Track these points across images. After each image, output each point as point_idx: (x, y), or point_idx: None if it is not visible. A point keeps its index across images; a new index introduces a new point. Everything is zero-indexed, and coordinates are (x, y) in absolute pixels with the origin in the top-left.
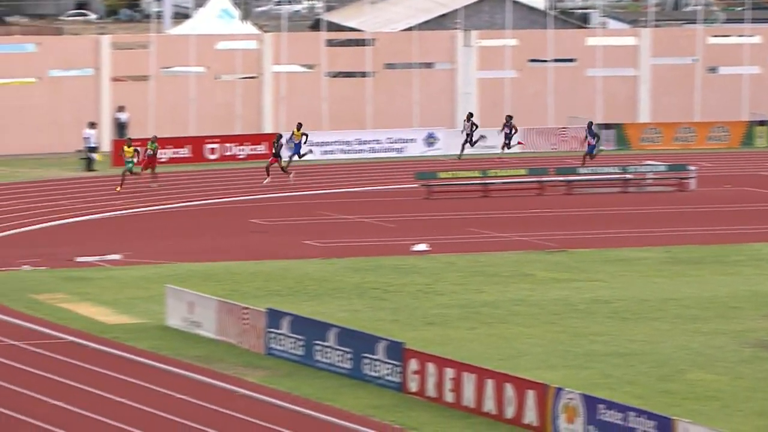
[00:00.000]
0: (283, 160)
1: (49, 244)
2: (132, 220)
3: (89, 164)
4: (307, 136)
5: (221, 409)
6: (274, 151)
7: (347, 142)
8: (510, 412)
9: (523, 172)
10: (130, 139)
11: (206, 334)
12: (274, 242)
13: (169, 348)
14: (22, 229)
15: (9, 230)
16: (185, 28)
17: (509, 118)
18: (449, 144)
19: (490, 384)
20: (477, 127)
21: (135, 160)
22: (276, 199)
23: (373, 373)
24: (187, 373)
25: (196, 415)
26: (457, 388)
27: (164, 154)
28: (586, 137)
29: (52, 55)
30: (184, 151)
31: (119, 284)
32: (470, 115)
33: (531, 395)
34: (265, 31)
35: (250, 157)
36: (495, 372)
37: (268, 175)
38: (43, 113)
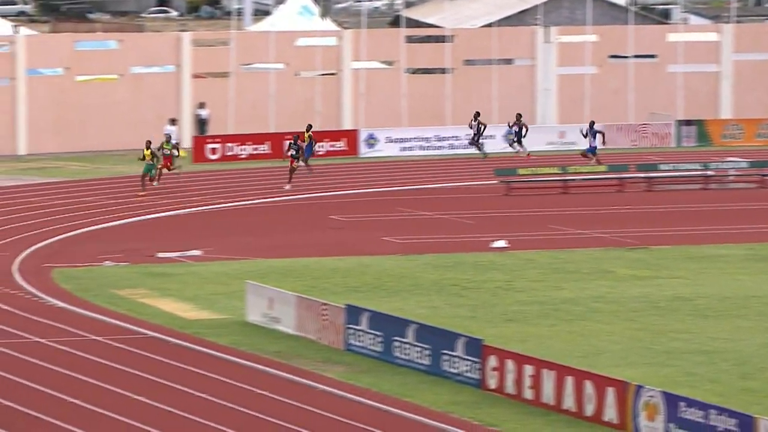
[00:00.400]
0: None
1: (130, 239)
2: (212, 216)
3: (173, 159)
4: (313, 139)
5: (300, 405)
6: (291, 153)
7: (426, 139)
8: (590, 409)
9: (603, 168)
10: (149, 141)
11: (285, 329)
12: (352, 238)
13: (248, 344)
14: (104, 225)
15: (91, 226)
16: (265, 25)
17: (519, 116)
18: (529, 140)
19: (569, 381)
20: (485, 126)
21: (156, 163)
22: (355, 195)
23: (452, 370)
24: (266, 368)
25: (276, 410)
26: (537, 385)
27: (243, 150)
28: (586, 135)
29: (133, 52)
30: (264, 148)
31: (200, 280)
32: (477, 114)
33: (611, 393)
34: (345, 28)
35: (328, 153)
36: (575, 369)
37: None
38: (125, 110)
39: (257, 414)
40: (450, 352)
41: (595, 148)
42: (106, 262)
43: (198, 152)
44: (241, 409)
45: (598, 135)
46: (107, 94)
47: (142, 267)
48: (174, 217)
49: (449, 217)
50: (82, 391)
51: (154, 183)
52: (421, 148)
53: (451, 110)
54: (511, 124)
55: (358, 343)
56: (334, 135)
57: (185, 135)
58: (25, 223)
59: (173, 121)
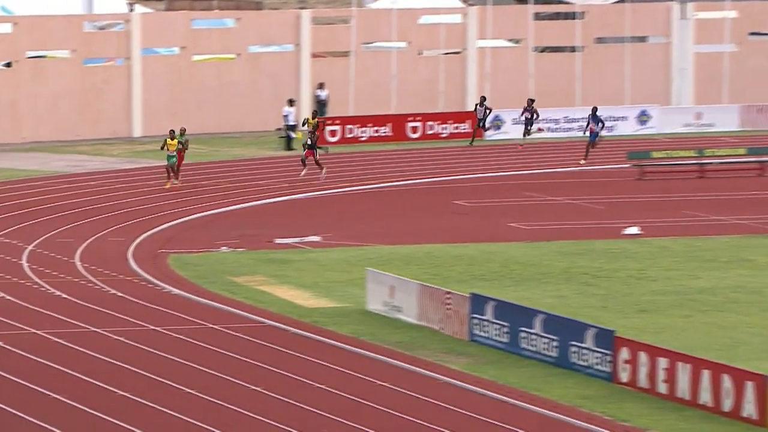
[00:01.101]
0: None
1: (247, 225)
2: (332, 200)
3: (288, 143)
4: (318, 124)
5: (422, 397)
6: (310, 142)
7: (555, 120)
8: (727, 404)
9: (742, 151)
10: (173, 131)
11: (407, 319)
12: (477, 224)
13: (369, 333)
14: (220, 210)
15: (207, 211)
16: (387, 1)
17: (531, 101)
18: (664, 122)
19: (706, 375)
20: (490, 111)
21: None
22: (480, 179)
23: (581, 362)
24: (387, 359)
25: (398, 403)
26: (671, 378)
27: (364, 133)
28: (588, 123)
29: (251, 30)
30: (385, 130)
31: (319, 267)
32: (483, 99)
33: (750, 387)
34: (470, 5)
35: (452, 135)
36: (712, 362)
37: (305, 165)
38: (242, 90)
39: (377, 406)
40: (579, 344)
41: (597, 134)
42: (223, 248)
43: (318, 134)
44: (361, 400)
45: (600, 122)
46: (224, 74)
47: (259, 253)
48: (292, 202)
49: (579, 203)
50: (198, 380)
51: (174, 182)
52: (550, 130)
53: (581, 91)
54: (521, 114)
55: (482, 334)
56: (458, 116)
57: (304, 116)
58: (140, 207)
59: (291, 102)
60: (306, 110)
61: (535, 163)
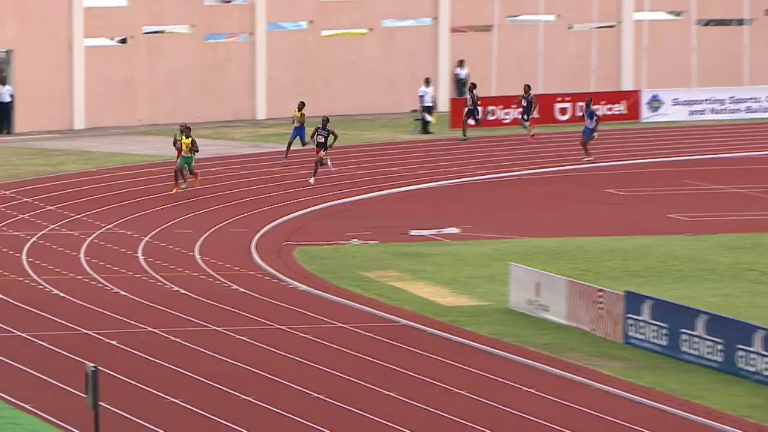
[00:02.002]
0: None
1: (379, 215)
2: (471, 189)
3: (425, 126)
4: (304, 116)
5: (572, 405)
6: (319, 141)
7: (719, 101)
8: None
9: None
10: (187, 127)
11: (554, 319)
12: (633, 215)
13: (512, 334)
14: (350, 199)
15: (335, 200)
16: None
17: (528, 88)
18: None
19: None
20: (479, 102)
21: (192, 156)
22: (636, 166)
23: (749, 368)
24: (533, 363)
25: (544, 410)
26: None
27: (507, 115)
28: (583, 117)
29: (385, 3)
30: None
31: (458, 261)
32: (473, 86)
33: None
34: None
35: (605, 118)
36: None
37: (318, 169)
38: (375, 68)
39: (522, 414)
40: (747, 348)
41: (590, 131)
42: (354, 240)
43: (456, 116)
44: (504, 408)
45: (594, 116)
46: (355, 51)
47: (393, 246)
48: (428, 190)
49: (747, 191)
50: (326, 384)
51: (182, 185)
52: (714, 111)
53: (749, 68)
54: (517, 102)
55: (638, 336)
56: (612, 97)
57: (441, 96)
58: (264, 196)
59: (428, 82)
60: (444, 90)
61: (697, 148)
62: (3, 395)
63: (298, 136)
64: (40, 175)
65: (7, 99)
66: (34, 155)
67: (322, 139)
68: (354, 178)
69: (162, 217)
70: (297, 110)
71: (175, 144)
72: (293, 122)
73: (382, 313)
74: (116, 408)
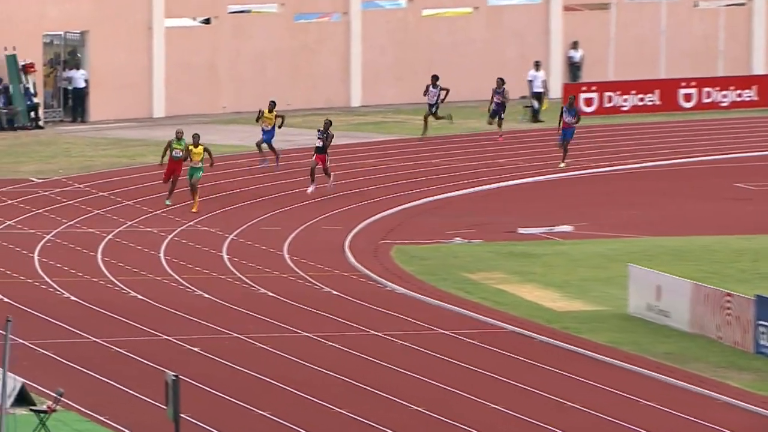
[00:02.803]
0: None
1: (484, 211)
2: (586, 182)
3: (535, 114)
4: (283, 119)
5: (697, 420)
6: (318, 146)
7: None
8: None
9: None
10: (196, 134)
11: (677, 326)
12: (764, 212)
13: (631, 342)
14: (452, 194)
15: (437, 195)
16: None
17: (501, 82)
18: None
19: None
20: (447, 93)
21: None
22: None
23: None
24: (653, 374)
25: (665, 425)
26: None
27: (626, 101)
28: (562, 115)
29: None
30: (652, 98)
31: (571, 262)
32: (435, 78)
33: None
34: None
35: (734, 104)
36: None
37: (313, 180)
38: (480, 51)
39: (641, 429)
40: None
41: (571, 132)
42: (456, 238)
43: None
44: (622, 422)
45: (576, 116)
46: (459, 32)
47: (499, 245)
48: (539, 184)
49: None
50: (425, 395)
51: (166, 201)
52: None
53: None
54: (490, 98)
55: None
56: (742, 82)
57: (554, 82)
58: (358, 190)
59: (538, 65)
60: (556, 75)
61: None
62: (77, 406)
63: (269, 139)
64: (116, 168)
65: (82, 84)
66: (110, 146)
67: (321, 144)
68: (456, 170)
69: (248, 214)
70: (267, 110)
71: (258, 119)
72: (258, 122)
73: (487, 319)
74: (198, 420)
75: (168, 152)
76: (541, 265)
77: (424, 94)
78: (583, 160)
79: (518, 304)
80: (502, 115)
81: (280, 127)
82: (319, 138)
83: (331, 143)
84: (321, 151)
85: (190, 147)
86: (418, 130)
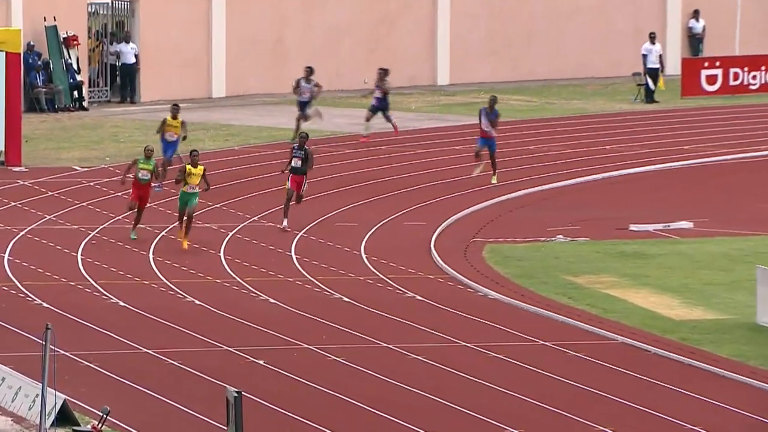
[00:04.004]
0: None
1: (590, 205)
2: (709, 172)
3: (649, 93)
4: (184, 125)
5: None
6: (297, 164)
7: None
8: None
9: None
10: (196, 153)
11: None
12: None
13: (759, 356)
14: (553, 185)
15: (536, 186)
16: None
17: (383, 73)
18: None
19: None
20: (319, 90)
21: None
22: None
23: None
24: None
25: None
26: None
27: (755, 79)
28: (480, 118)
29: None
30: None
31: (690, 264)
32: (310, 70)
33: None
34: None
35: None
36: None
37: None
38: (587, 22)
39: None
40: None
41: (491, 141)
42: (558, 236)
43: (689, 81)
44: None
45: (496, 119)
46: (561, 1)
47: (607, 244)
48: (653, 174)
49: None
50: (525, 415)
51: (131, 234)
52: None
53: None
54: (371, 91)
55: None
56: None
57: (671, 57)
58: (446, 180)
59: (653, 38)
60: (674, 49)
61: None
62: (125, 426)
63: (169, 153)
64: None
65: (131, 60)
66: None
67: (299, 163)
68: (558, 158)
69: (320, 207)
70: (170, 116)
71: (160, 130)
72: (159, 132)
73: (594, 329)
74: None
75: (132, 173)
76: (657, 267)
77: (294, 91)
78: (705, 147)
79: (630, 312)
80: (388, 112)
81: (184, 139)
82: (295, 156)
83: (313, 166)
84: (299, 172)
85: (188, 167)
86: (516, 111)
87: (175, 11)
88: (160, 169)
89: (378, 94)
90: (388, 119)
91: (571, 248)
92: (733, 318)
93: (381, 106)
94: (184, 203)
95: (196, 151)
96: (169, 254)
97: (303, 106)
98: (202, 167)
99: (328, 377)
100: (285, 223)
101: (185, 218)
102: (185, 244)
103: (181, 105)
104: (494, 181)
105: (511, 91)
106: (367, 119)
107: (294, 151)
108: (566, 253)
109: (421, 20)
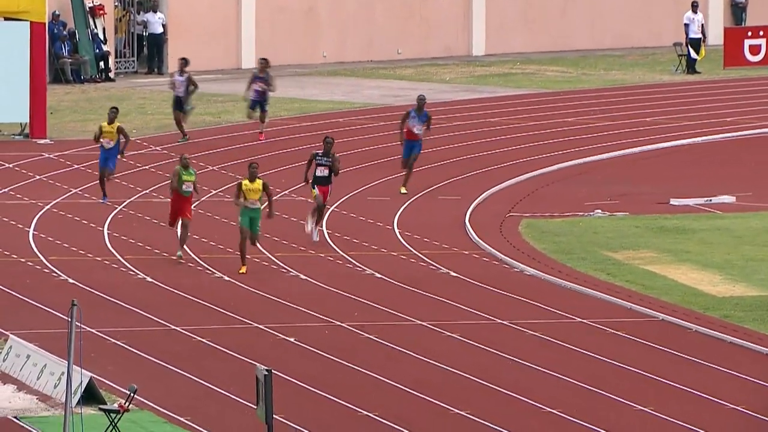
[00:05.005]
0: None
1: (630, 179)
2: (753, 144)
3: (691, 64)
4: (123, 133)
5: None
6: (319, 174)
7: None
8: None
9: (403, 191)
10: (255, 166)
11: None
12: None
13: None
14: (591, 158)
15: (573, 159)
16: None
17: (265, 63)
18: None
19: None
20: (195, 88)
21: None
22: None
23: None
24: None
25: None
26: None
27: None
28: (406, 119)
29: None
30: None
31: (733, 239)
32: (184, 62)
33: None
34: None
35: None
36: None
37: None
38: None
39: None
40: None
41: (418, 146)
42: (597, 211)
43: (731, 51)
44: None
45: (427, 122)
46: None
47: (647, 219)
48: (695, 147)
49: None
50: (561, 395)
51: (178, 253)
52: None
53: None
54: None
55: None
56: None
57: (713, 26)
58: (482, 153)
59: (695, 7)
60: (717, 18)
61: None
62: (153, 405)
63: (110, 163)
64: (198, 127)
65: (159, 30)
66: (192, 101)
67: (325, 172)
68: (597, 131)
69: (352, 181)
70: (106, 122)
71: (97, 137)
72: (97, 139)
73: (634, 306)
74: (293, 422)
75: (176, 183)
76: (698, 243)
77: (171, 86)
78: (747, 119)
79: (670, 288)
80: (266, 107)
81: (125, 145)
82: (320, 164)
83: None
84: (325, 182)
85: (244, 182)
86: (552, 82)
87: None
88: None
89: (258, 86)
90: (263, 119)
91: (610, 223)
92: None
93: (261, 100)
94: (249, 225)
95: (255, 164)
96: (197, 230)
97: (179, 102)
98: (260, 181)
99: (360, 356)
100: (314, 233)
101: (250, 241)
102: (243, 269)
103: (208, 75)
104: (404, 191)
105: (548, 62)
106: (249, 117)
107: (317, 158)
108: (604, 228)
109: None
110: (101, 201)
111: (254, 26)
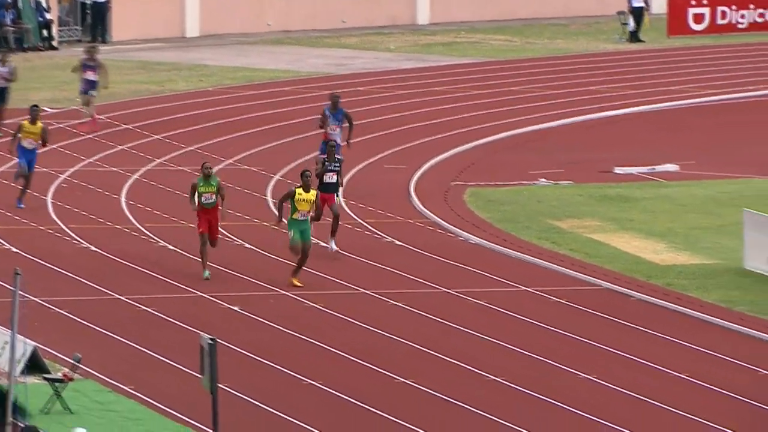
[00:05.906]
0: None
1: (574, 148)
2: (695, 113)
3: (634, 33)
4: (46, 132)
5: None
6: (332, 166)
7: None
8: None
9: (309, 207)
10: (307, 174)
11: None
12: None
13: (747, 302)
14: (536, 127)
15: (518, 128)
16: None
17: (93, 49)
18: None
19: None
20: (96, 86)
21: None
22: None
23: None
24: None
25: None
26: None
27: (743, 18)
28: (324, 124)
29: None
30: None
31: (676, 207)
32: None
33: None
34: None
35: None
36: None
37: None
38: None
39: (758, 402)
40: None
41: (335, 148)
42: (541, 179)
43: (675, 20)
44: (736, 395)
45: (347, 121)
46: None
47: (591, 187)
48: (639, 116)
49: None
50: (505, 364)
51: (204, 274)
52: None
53: None
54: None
55: None
56: None
57: None
58: (427, 122)
59: None
60: None
61: None
62: (97, 374)
63: (27, 165)
64: (142, 96)
65: None
66: (136, 70)
67: (334, 178)
68: (542, 99)
69: (298, 149)
70: (28, 121)
71: (16, 136)
72: (15, 138)
73: (578, 274)
74: (238, 391)
75: (195, 196)
76: (641, 211)
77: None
78: (692, 87)
79: (614, 257)
80: (94, 93)
81: (45, 144)
82: (328, 170)
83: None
84: (333, 189)
85: (298, 191)
86: (497, 51)
87: None
88: (19, 181)
89: (90, 75)
90: (87, 103)
91: (554, 192)
92: (720, 263)
93: (94, 87)
94: (299, 236)
95: (308, 171)
96: (140, 198)
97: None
98: (314, 191)
99: (303, 324)
100: (331, 243)
101: (302, 253)
102: (296, 281)
103: (152, 44)
104: (339, 199)
105: (492, 31)
106: (85, 103)
107: (324, 165)
108: (549, 196)
109: None
110: (18, 206)
111: None
